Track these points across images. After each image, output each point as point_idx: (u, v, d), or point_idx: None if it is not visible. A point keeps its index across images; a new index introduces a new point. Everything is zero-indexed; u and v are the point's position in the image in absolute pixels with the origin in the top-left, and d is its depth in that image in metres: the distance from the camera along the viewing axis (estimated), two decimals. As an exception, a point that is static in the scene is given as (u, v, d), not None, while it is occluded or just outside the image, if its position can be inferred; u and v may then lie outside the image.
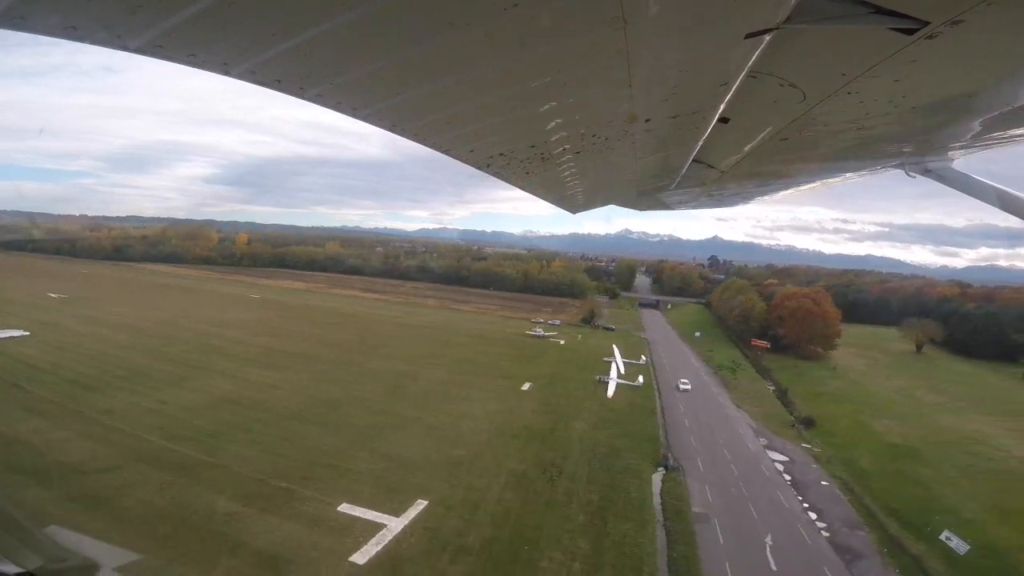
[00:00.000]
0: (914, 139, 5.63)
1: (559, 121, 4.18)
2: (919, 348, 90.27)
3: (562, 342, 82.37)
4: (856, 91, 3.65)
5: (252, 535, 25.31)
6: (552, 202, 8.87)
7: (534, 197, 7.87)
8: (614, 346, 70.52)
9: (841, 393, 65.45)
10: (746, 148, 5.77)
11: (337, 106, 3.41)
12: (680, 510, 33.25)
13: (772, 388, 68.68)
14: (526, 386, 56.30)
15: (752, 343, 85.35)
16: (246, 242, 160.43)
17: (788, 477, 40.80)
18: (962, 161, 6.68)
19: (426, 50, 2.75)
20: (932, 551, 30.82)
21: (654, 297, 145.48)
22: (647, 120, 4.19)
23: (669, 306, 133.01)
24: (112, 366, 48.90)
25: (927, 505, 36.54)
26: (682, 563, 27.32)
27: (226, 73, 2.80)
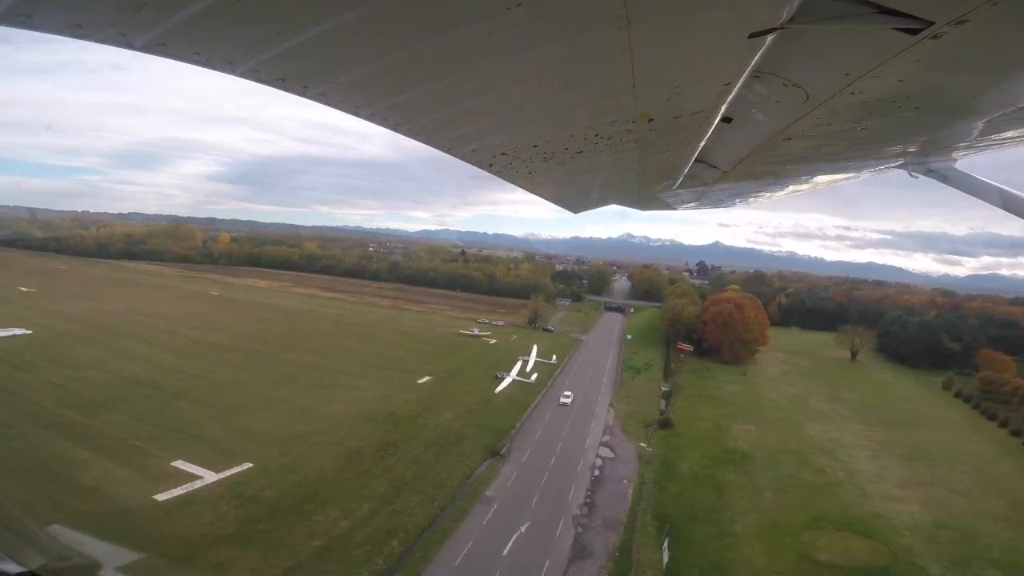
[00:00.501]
0: (917, 139, 5.62)
1: (561, 120, 4.19)
2: (854, 355, 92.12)
3: (493, 341, 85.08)
4: (860, 91, 3.64)
5: (86, 475, 31.22)
6: (554, 201, 8.87)
7: (536, 198, 7.87)
8: (534, 346, 74.76)
9: (730, 397, 66.28)
10: (749, 148, 5.76)
11: (340, 105, 3.41)
12: (475, 492, 36.53)
13: (666, 389, 68.71)
14: (424, 379, 59.32)
15: (678, 346, 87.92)
16: (228, 241, 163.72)
17: (596, 473, 41.91)
18: (965, 161, 6.67)
19: (429, 49, 2.75)
20: (650, 559, 31.51)
21: (619, 301, 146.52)
22: (650, 120, 4.19)
23: (632, 310, 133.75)
24: (47, 350, 54.82)
25: (702, 515, 36.77)
26: (436, 536, 30.75)
27: (231, 71, 2.81)
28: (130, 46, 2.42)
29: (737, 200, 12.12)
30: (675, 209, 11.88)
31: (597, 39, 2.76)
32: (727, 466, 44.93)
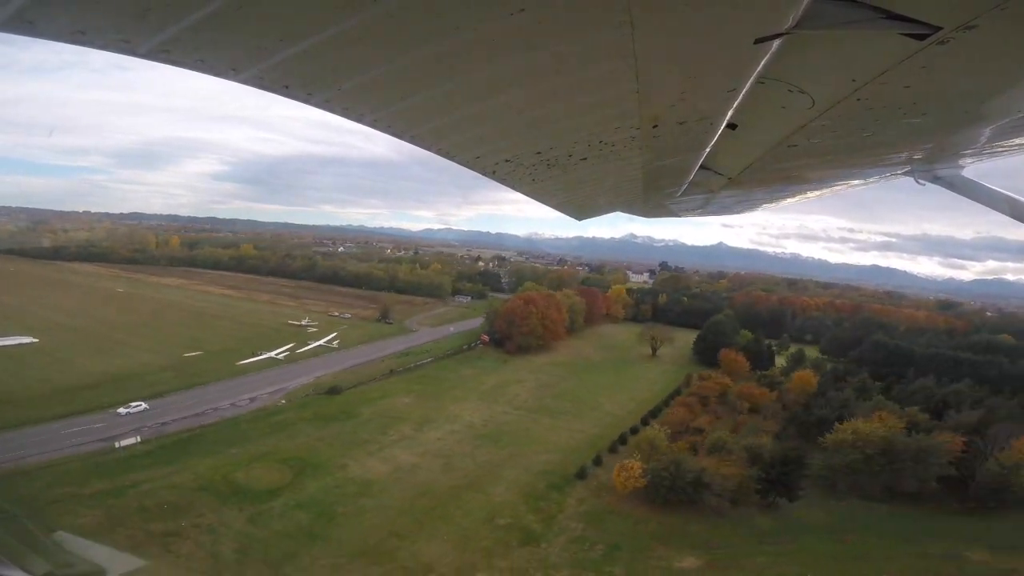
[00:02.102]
0: (924, 146, 5.58)
1: (565, 127, 4.17)
2: (654, 351, 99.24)
3: (312, 330, 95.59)
4: (866, 97, 3.61)
5: None
6: (558, 208, 8.85)
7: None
8: (334, 333, 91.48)
9: (449, 380, 77.06)
10: (754, 155, 5.73)
11: (344, 112, 3.41)
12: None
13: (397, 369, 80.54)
14: (194, 353, 76.31)
15: (480, 337, 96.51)
16: (177, 244, 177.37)
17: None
18: (973, 169, 6.63)
19: (432, 55, 2.74)
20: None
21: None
22: (654, 126, 4.17)
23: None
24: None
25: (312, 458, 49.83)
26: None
27: (234, 78, 2.82)
28: (133, 53, 2.42)
29: (742, 207, 12.10)
30: (680, 216, 11.86)
31: (601, 44, 2.74)
32: (337, 418, 59.52)
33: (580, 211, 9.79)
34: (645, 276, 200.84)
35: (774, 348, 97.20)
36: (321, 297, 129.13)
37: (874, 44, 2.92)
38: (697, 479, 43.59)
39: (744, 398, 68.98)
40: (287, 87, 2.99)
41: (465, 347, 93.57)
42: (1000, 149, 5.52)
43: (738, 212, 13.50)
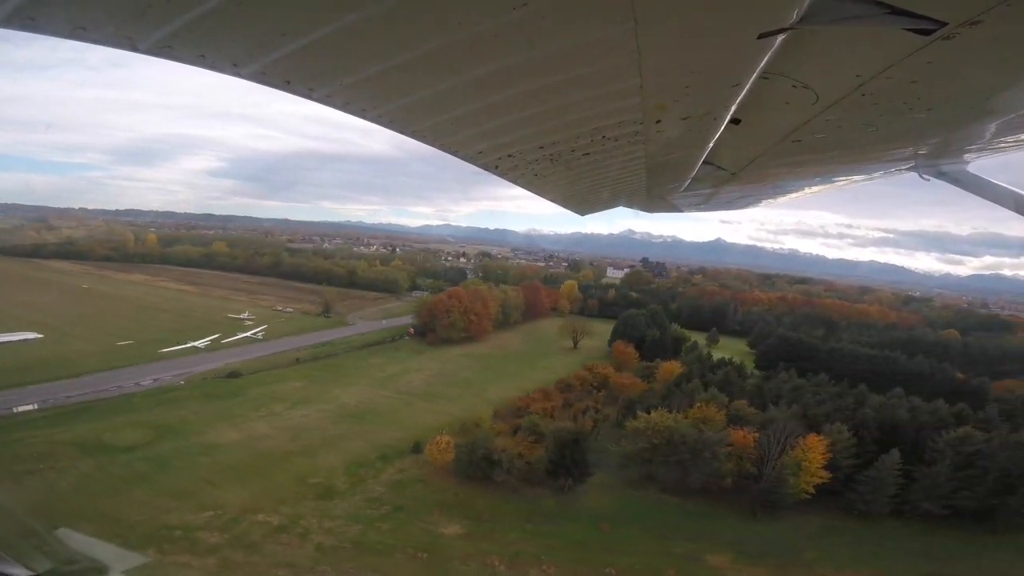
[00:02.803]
0: (929, 142, 5.55)
1: (568, 122, 4.16)
2: (575, 344, 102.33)
3: (248, 323, 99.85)
4: (871, 92, 3.59)
5: None
6: (560, 204, 8.83)
7: (540, 198, 7.83)
8: (264, 326, 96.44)
9: (347, 369, 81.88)
10: (758, 150, 5.71)
11: (345, 107, 3.40)
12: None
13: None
14: (125, 342, 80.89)
15: (409, 329, 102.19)
16: (155, 242, 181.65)
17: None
18: (977, 164, 6.59)
19: (434, 50, 2.73)
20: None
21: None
22: (657, 121, 4.16)
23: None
24: None
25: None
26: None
27: (235, 74, 2.81)
28: (134, 49, 2.42)
29: (745, 202, 12.06)
30: (682, 211, 11.83)
31: (604, 38, 2.73)
32: (223, 397, 64.86)
33: (582, 206, 9.77)
34: (625, 271, 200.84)
35: (697, 342, 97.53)
36: (278, 293, 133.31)
37: (879, 39, 2.90)
38: (487, 456, 46.27)
39: (619, 388, 72.44)
40: (289, 82, 2.99)
41: (389, 339, 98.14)
42: (1006, 144, 5.49)
43: (741, 207, 13.46)
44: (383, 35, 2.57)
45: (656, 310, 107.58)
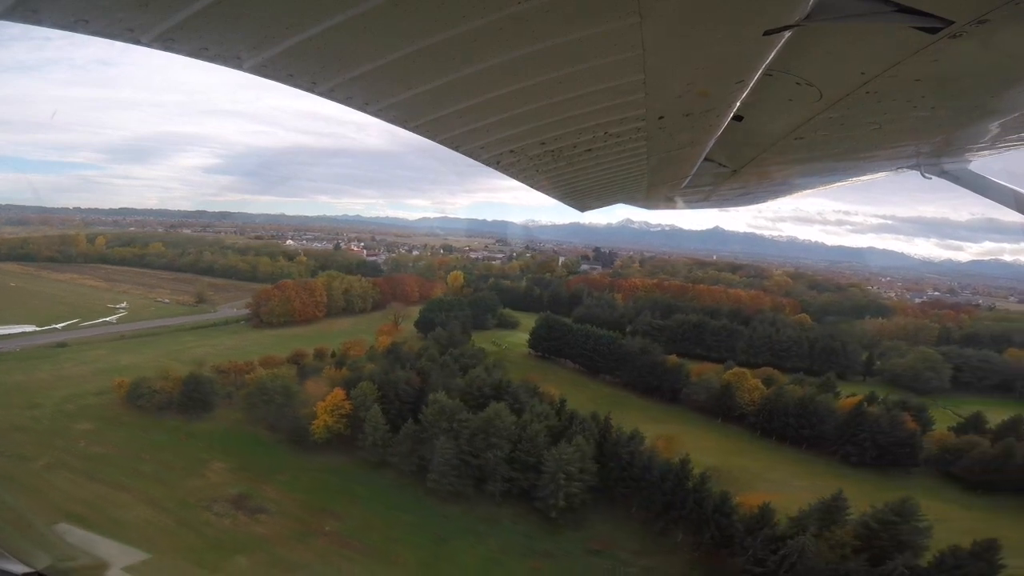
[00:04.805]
0: (932, 140, 5.53)
1: (571, 117, 4.14)
2: (396, 324, 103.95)
3: (119, 310, 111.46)
4: (875, 90, 3.58)
5: None
6: (561, 200, 8.81)
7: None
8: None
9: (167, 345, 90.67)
10: (760, 147, 5.70)
11: (348, 101, 3.38)
12: None
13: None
14: None
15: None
16: (104, 243, 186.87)
17: None
18: (979, 162, 6.57)
19: (438, 44, 2.71)
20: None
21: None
22: (660, 117, 4.14)
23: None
24: None
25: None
26: None
27: (238, 67, 2.79)
28: (137, 41, 2.40)
29: (745, 200, 12.04)
30: (682, 209, 11.82)
31: (609, 35, 2.71)
32: (38, 358, 77.46)
33: (583, 202, 9.75)
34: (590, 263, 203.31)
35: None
36: (179, 287, 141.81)
37: (885, 37, 2.88)
38: (136, 389, 62.94)
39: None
40: (291, 76, 2.97)
41: (233, 322, 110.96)
42: (1008, 144, 5.47)
43: (741, 205, 13.47)
44: (386, 29, 2.56)
45: (489, 296, 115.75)
